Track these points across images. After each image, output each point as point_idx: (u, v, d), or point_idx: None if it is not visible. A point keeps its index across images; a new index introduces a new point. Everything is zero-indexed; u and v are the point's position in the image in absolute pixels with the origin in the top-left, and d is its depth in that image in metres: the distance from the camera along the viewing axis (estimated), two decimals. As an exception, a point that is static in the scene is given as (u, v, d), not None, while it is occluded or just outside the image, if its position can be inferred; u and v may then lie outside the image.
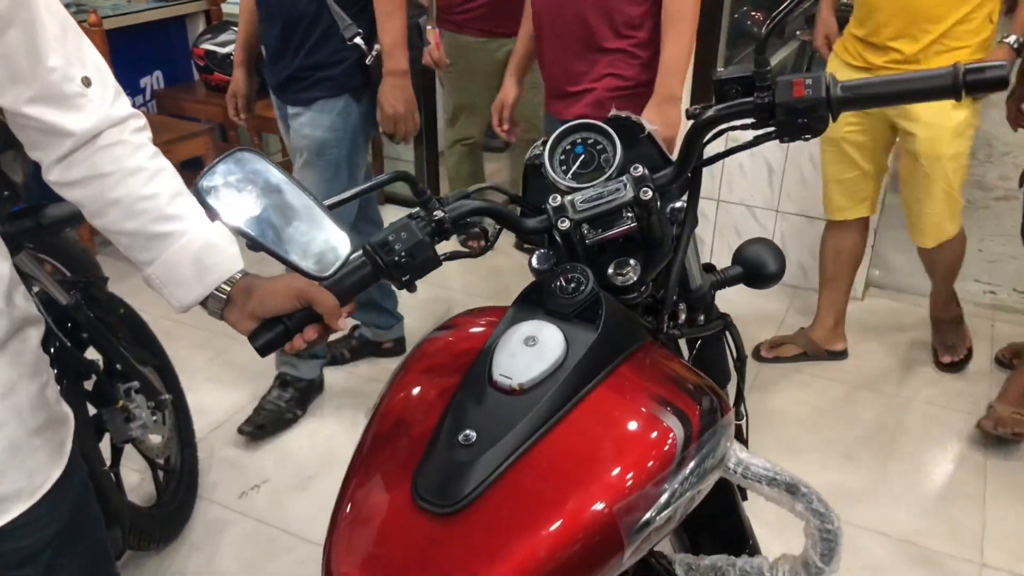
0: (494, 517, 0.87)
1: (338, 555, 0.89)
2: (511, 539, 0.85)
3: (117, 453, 2.09)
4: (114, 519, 1.87)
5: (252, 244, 0.89)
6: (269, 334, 0.98)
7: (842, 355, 3.08)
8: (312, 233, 0.93)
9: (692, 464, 0.95)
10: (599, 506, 0.87)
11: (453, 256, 1.07)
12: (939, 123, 2.54)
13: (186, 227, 1.04)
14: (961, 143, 2.59)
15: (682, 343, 1.33)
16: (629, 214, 1.13)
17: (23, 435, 1.02)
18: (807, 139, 1.06)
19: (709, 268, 1.33)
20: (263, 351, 0.98)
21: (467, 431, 0.92)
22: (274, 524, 2.27)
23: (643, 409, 0.96)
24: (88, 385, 1.95)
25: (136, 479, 2.30)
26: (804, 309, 3.26)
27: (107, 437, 2.00)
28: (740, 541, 1.40)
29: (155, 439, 2.15)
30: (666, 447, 0.94)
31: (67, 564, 1.08)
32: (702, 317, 1.33)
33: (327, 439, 2.55)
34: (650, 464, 0.92)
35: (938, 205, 2.67)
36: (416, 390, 1.03)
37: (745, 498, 1.65)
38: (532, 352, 0.99)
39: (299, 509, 2.31)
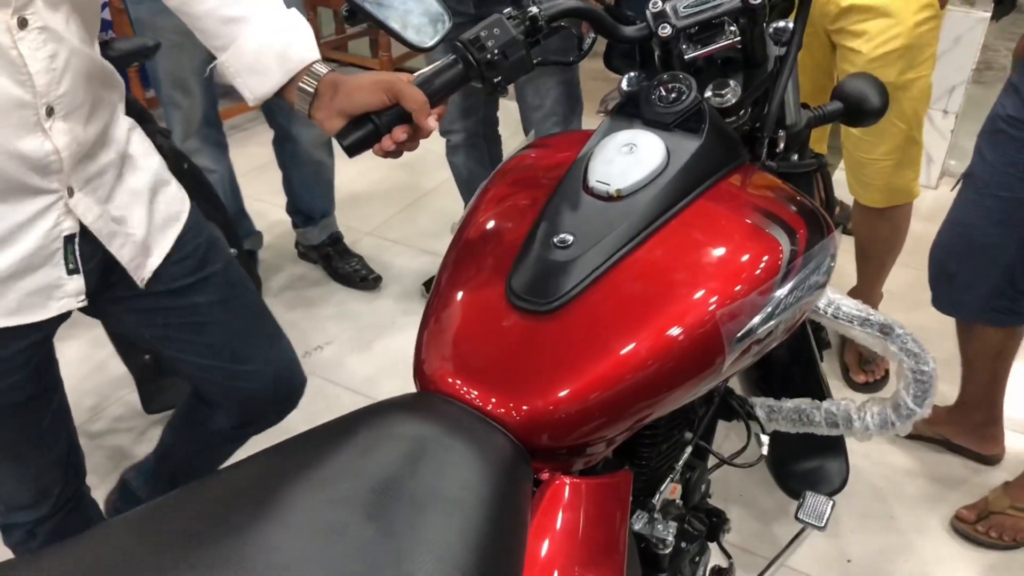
0: (592, 315, 0.84)
1: (430, 354, 0.87)
2: (610, 336, 0.82)
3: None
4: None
5: (351, 11, 0.85)
6: (358, 132, 0.94)
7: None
8: (411, 3, 0.89)
9: (797, 278, 0.91)
10: (703, 309, 0.84)
11: (545, 62, 1.01)
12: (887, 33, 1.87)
13: (259, 12, 1.00)
14: (919, 60, 1.91)
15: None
16: (732, 28, 1.05)
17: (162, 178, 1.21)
18: None
19: (805, 106, 1.26)
20: (351, 150, 0.94)
21: (563, 235, 0.89)
22: (338, 382, 2.30)
23: (748, 220, 0.92)
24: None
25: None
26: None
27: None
28: (816, 394, 1.36)
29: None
30: (772, 258, 0.89)
31: (216, 271, 1.26)
32: (795, 156, 1.26)
33: (389, 308, 2.57)
34: (756, 273, 0.88)
35: (892, 149, 1.99)
36: (505, 201, 1.00)
37: (821, 358, 1.61)
38: (630, 159, 0.94)
39: (361, 370, 2.33)
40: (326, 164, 2.58)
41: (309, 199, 2.65)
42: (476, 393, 0.82)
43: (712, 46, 1.06)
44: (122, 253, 1.10)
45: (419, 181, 3.29)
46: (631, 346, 0.82)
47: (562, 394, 0.80)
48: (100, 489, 1.93)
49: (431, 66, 0.95)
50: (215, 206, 2.24)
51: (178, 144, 2.39)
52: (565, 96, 2.20)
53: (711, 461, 1.24)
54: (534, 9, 0.95)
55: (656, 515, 1.04)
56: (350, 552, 0.64)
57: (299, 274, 2.78)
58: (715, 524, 1.26)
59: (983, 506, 1.83)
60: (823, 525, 1.23)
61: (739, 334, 0.86)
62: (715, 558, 1.28)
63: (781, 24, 1.12)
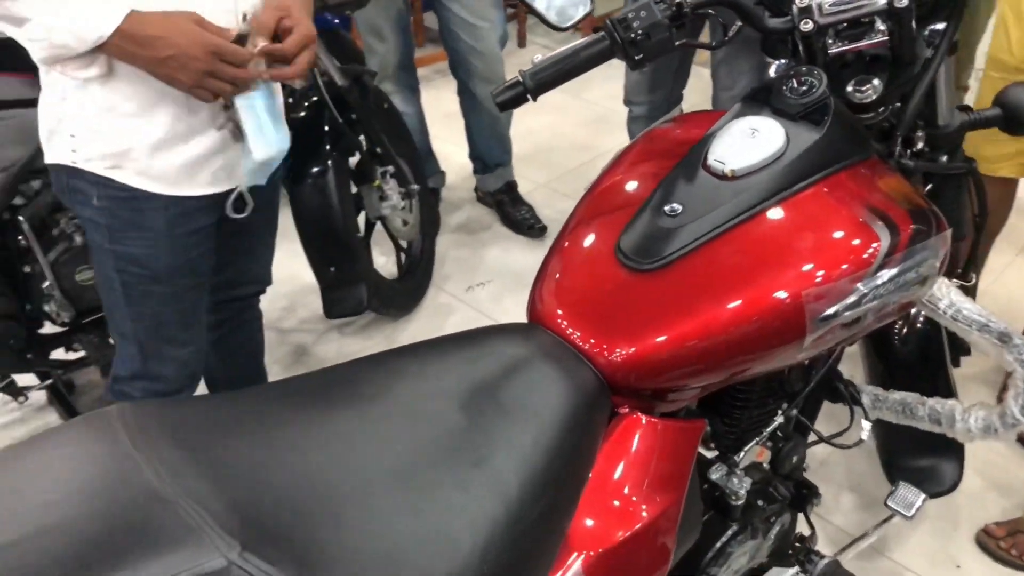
0: (686, 279, 0.94)
1: (542, 292, 1.01)
2: (701, 300, 0.93)
3: (370, 228, 2.38)
4: (361, 278, 2.15)
5: None
6: (510, 92, 1.08)
7: None
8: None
9: (892, 272, 0.96)
10: (790, 286, 0.92)
11: (688, 45, 1.10)
12: None
13: None
14: None
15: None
16: (881, 27, 1.09)
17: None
18: None
19: (965, 108, 1.26)
20: (503, 107, 1.09)
21: (674, 204, 0.99)
22: (494, 317, 2.50)
23: (853, 212, 0.98)
24: (352, 164, 2.21)
25: (383, 260, 2.60)
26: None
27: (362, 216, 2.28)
28: (941, 393, 1.37)
29: (402, 223, 2.41)
30: (869, 250, 0.95)
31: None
32: (944, 157, 1.27)
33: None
34: (848, 262, 0.94)
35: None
36: (634, 168, 1.10)
37: (957, 363, 1.61)
38: (751, 143, 1.02)
39: (514, 310, 2.52)
40: (501, 119, 2.75)
41: (486, 149, 2.84)
42: (573, 331, 0.95)
43: (858, 43, 1.10)
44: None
45: (599, 140, 3.40)
46: (717, 309, 0.92)
47: (646, 342, 0.92)
48: (282, 377, 2.25)
49: (581, 40, 1.07)
50: (407, 143, 2.48)
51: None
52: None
53: (811, 439, 1.31)
54: None
55: (738, 471, 1.14)
56: (440, 434, 0.80)
57: (474, 216, 3.00)
58: (804, 495, 1.33)
59: (1016, 525, 1.79)
60: (911, 515, 1.28)
61: (822, 315, 0.93)
62: (801, 527, 1.36)
63: (938, 26, 1.14)
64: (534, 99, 1.09)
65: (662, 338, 0.92)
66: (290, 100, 1.99)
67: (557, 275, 1.02)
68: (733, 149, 1.02)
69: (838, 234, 0.96)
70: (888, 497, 1.31)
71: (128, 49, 1.11)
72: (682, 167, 1.04)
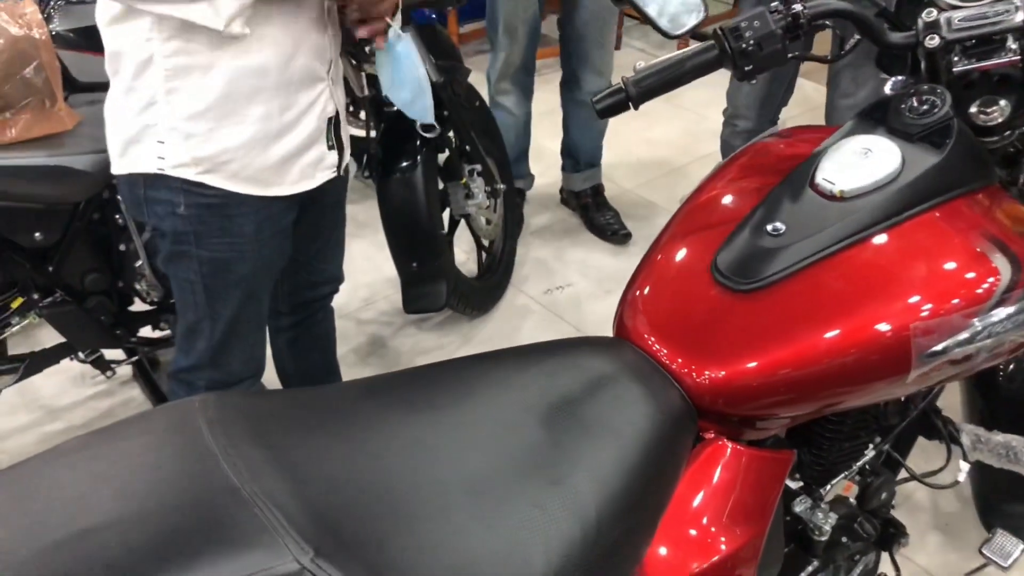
0: (786, 303, 0.90)
1: (630, 306, 0.98)
2: (798, 326, 0.88)
3: (454, 225, 2.38)
4: (442, 274, 2.15)
5: None
6: (610, 99, 1.05)
7: None
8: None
9: (1011, 309, 0.90)
10: (897, 318, 0.87)
11: (801, 58, 1.05)
12: None
13: None
14: None
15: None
16: (1013, 46, 1.02)
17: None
18: None
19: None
20: (602, 115, 1.06)
21: (777, 223, 0.95)
22: (571, 321, 2.47)
23: (971, 242, 0.92)
24: (440, 160, 2.21)
25: (464, 257, 2.60)
26: None
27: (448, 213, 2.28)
28: None
29: (486, 222, 2.40)
30: (986, 285, 0.89)
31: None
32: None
33: (632, 265, 2.67)
34: (963, 296, 0.89)
35: None
36: (734, 182, 1.06)
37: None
38: (864, 163, 0.97)
39: (595, 314, 2.48)
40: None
41: (580, 143, 2.81)
42: (662, 349, 0.92)
43: (989, 61, 1.03)
44: (344, 138, 1.36)
45: (694, 146, 3.33)
46: (815, 337, 0.87)
47: (737, 366, 0.88)
48: (356, 368, 2.27)
49: (691, 47, 1.03)
50: (496, 143, 2.47)
51: (491, 83, 2.64)
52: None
53: (903, 475, 1.24)
54: (798, 6, 0.99)
55: (823, 504, 1.09)
56: (519, 447, 0.78)
57: (558, 218, 2.97)
58: (891, 534, 1.26)
59: None
60: (1007, 565, 1.20)
61: (930, 350, 0.88)
62: (885, 567, 1.29)
63: None
64: (635, 107, 1.06)
65: (754, 363, 0.88)
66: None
67: (647, 289, 0.99)
68: (844, 169, 0.97)
69: (952, 265, 0.90)
70: (983, 544, 1.23)
71: None
72: (787, 184, 0.99)
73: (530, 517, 0.73)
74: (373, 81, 2.15)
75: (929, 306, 0.87)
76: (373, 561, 0.64)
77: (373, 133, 2.05)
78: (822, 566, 1.10)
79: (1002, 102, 1.05)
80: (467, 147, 2.22)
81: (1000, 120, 1.05)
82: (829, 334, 0.88)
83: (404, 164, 2.06)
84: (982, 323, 0.89)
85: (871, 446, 1.13)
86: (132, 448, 0.68)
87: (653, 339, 0.93)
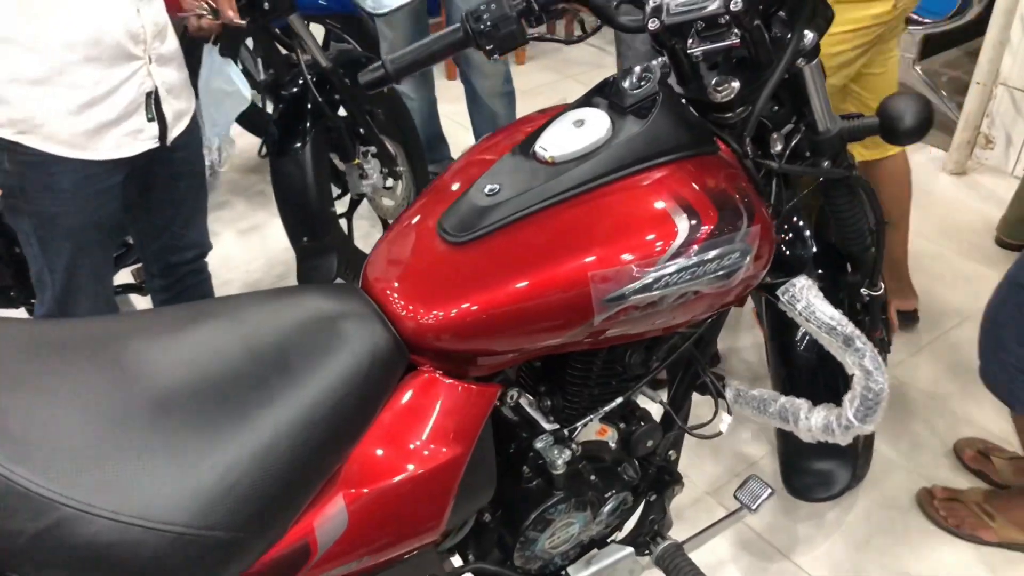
0: (492, 254, 1.02)
1: (373, 263, 1.10)
2: (499, 274, 1.00)
3: (353, 204, 2.50)
4: (333, 249, 2.28)
5: None
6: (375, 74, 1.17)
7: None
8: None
9: (686, 262, 1.01)
10: (578, 266, 0.99)
11: (542, 38, 1.17)
12: None
13: None
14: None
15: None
16: (736, 30, 1.13)
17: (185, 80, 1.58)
18: None
19: (851, 116, 1.28)
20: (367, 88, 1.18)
21: (493, 184, 1.06)
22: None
23: (659, 202, 1.03)
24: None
25: (378, 234, 2.72)
26: None
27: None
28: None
29: (388, 202, 2.51)
30: (663, 240, 1.00)
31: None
32: (827, 163, 1.30)
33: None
34: (639, 247, 1.00)
35: None
36: (479, 155, 1.18)
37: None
38: (576, 133, 1.08)
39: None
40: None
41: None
42: (385, 294, 1.03)
43: (714, 44, 1.14)
44: (169, 113, 1.51)
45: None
46: (512, 283, 0.99)
47: (444, 309, 1.00)
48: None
49: (442, 30, 1.15)
50: (406, 127, 2.58)
51: None
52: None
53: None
54: None
55: (574, 445, 1.20)
56: (224, 375, 0.91)
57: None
58: (664, 482, 1.38)
59: (956, 494, 1.86)
60: (754, 508, 1.31)
61: (608, 296, 0.99)
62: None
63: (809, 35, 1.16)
64: (397, 82, 1.18)
65: (458, 306, 1.00)
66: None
67: (385, 246, 1.11)
68: (558, 138, 1.08)
69: (635, 222, 1.02)
70: (737, 489, 1.34)
71: None
72: (512, 154, 1.11)
73: (207, 439, 0.86)
74: (268, 65, 2.29)
75: (606, 256, 0.99)
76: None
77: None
78: (563, 499, 1.21)
79: (734, 82, 1.16)
80: (360, 130, 2.34)
81: (731, 97, 1.15)
82: (522, 281, 0.99)
83: (296, 144, 2.18)
84: (656, 273, 1.00)
85: (622, 397, 1.24)
86: None
87: (381, 287, 1.05)
